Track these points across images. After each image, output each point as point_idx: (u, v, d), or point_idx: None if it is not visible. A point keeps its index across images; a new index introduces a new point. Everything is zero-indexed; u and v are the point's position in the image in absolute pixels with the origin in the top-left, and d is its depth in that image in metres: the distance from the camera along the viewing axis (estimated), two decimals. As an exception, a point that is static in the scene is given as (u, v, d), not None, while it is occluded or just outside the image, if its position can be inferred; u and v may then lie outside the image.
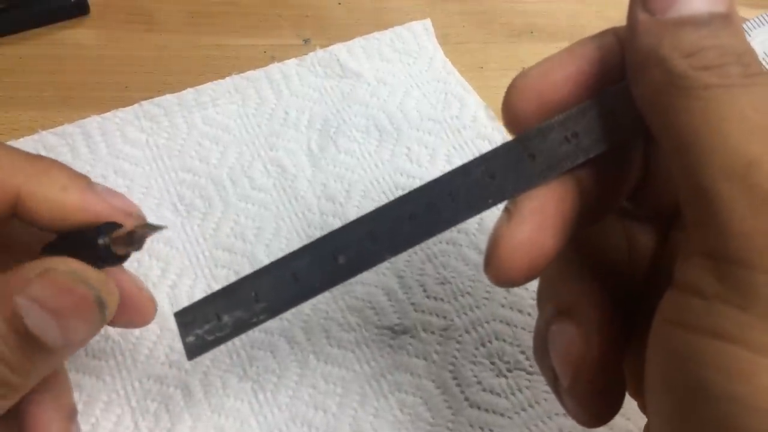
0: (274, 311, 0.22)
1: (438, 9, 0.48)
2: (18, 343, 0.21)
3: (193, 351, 0.23)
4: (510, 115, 0.21)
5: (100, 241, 0.24)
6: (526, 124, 0.20)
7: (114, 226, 0.24)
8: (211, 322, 0.22)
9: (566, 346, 0.21)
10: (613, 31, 0.20)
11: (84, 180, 0.24)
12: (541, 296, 0.23)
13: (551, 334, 0.21)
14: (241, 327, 0.22)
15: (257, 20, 0.44)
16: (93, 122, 0.38)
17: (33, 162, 0.24)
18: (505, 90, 0.21)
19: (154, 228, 0.24)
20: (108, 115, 0.38)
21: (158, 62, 0.41)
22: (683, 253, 0.17)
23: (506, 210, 0.20)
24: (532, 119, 0.20)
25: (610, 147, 0.20)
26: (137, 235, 0.24)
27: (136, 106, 0.39)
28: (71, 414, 0.26)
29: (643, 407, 0.22)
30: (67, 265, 0.23)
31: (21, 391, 0.22)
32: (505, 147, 0.20)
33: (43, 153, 0.37)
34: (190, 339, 0.23)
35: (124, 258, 0.24)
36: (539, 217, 0.20)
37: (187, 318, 0.23)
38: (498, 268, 0.20)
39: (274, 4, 0.48)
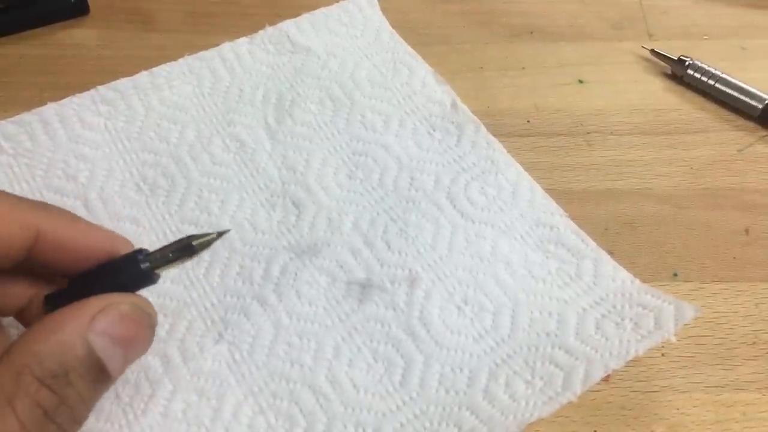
0: None
1: (438, 9, 0.49)
2: (91, 378, 0.23)
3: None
4: None
5: (143, 266, 0.25)
6: None
7: (141, 251, 0.25)
8: None
9: None
10: None
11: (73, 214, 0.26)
12: None
13: None
14: None
15: (257, 20, 0.44)
16: (50, 109, 0.38)
17: (39, 204, 0.25)
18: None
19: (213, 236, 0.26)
20: (64, 101, 0.39)
21: (158, 62, 0.41)
22: None
23: None
24: None
25: None
26: (198, 246, 0.25)
27: (92, 91, 0.39)
28: None
29: None
30: (127, 298, 0.24)
31: (84, 422, 0.23)
32: None
33: (2, 143, 0.37)
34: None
35: (158, 279, 0.26)
36: None
37: None
38: None
39: (273, 5, 0.48)
